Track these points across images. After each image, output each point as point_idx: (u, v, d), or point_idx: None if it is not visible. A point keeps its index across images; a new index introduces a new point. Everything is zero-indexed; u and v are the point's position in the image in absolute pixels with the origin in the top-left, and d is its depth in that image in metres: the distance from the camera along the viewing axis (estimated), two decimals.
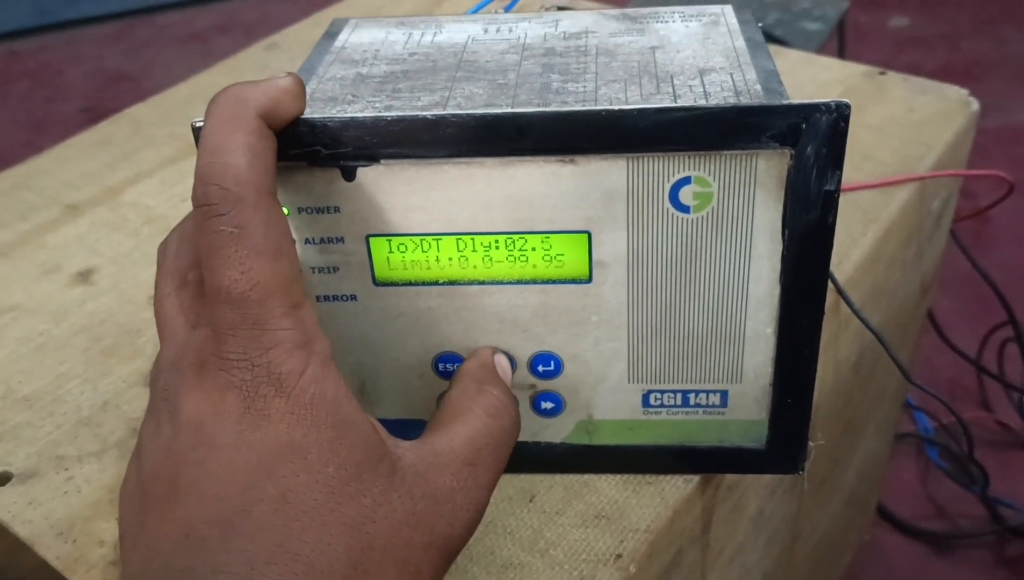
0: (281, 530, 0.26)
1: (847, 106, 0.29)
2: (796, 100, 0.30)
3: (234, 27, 2.43)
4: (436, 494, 0.29)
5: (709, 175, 0.31)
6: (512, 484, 0.39)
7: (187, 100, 0.69)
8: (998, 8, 2.26)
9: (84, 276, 0.52)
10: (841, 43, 1.33)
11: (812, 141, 0.30)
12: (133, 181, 0.60)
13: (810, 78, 0.66)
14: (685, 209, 0.31)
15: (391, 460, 0.29)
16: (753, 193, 0.31)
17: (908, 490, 1.14)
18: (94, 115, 1.96)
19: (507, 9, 0.54)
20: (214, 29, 2.44)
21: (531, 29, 0.40)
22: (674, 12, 0.40)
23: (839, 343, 0.53)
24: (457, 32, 0.40)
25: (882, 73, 0.66)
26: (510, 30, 0.40)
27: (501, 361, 0.35)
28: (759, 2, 1.37)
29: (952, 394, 1.23)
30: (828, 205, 0.31)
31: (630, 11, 0.41)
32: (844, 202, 0.53)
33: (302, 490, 0.26)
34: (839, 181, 0.30)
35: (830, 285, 0.47)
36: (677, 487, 0.38)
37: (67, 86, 2.22)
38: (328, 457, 0.27)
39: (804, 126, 0.29)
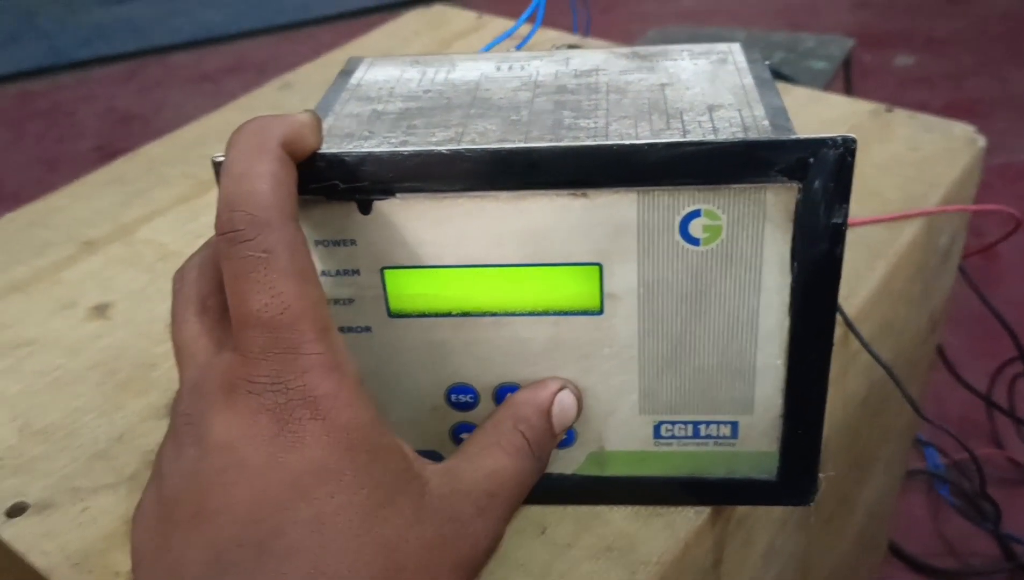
0: (316, 552, 0.26)
1: (854, 141, 0.30)
2: (804, 135, 0.30)
3: (244, 67, 2.46)
4: (460, 517, 0.29)
5: (718, 208, 0.31)
6: (523, 516, 0.39)
7: (200, 139, 0.70)
8: (1002, 47, 2.28)
9: (99, 311, 0.52)
10: (847, 81, 1.34)
11: (820, 175, 0.30)
12: (147, 219, 0.60)
13: (816, 115, 0.66)
14: (695, 242, 0.32)
15: (420, 482, 0.29)
16: (762, 226, 0.32)
17: (919, 527, 1.13)
18: (105, 154, 1.98)
19: (518, 48, 0.55)
20: (224, 69, 2.47)
21: (543, 67, 0.41)
22: (683, 50, 0.41)
23: (847, 378, 0.53)
24: (470, 70, 0.41)
25: (888, 110, 0.67)
26: (522, 68, 0.41)
27: (564, 400, 0.35)
28: (765, 41, 1.39)
29: (963, 431, 1.23)
30: (836, 238, 0.31)
31: (640, 49, 0.42)
32: (851, 238, 0.54)
33: (337, 512, 0.27)
34: (847, 214, 0.31)
35: (839, 319, 0.47)
36: (688, 519, 0.38)
37: (79, 125, 2.25)
38: (363, 479, 0.27)
39: (812, 160, 0.30)
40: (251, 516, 0.26)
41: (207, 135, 0.70)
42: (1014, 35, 2.34)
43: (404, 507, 0.28)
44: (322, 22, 2.63)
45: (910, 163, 0.61)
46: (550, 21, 0.74)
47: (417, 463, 0.30)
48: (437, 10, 0.88)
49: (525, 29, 0.63)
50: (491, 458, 0.32)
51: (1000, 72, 2.17)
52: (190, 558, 0.26)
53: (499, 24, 0.82)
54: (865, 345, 0.47)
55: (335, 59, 0.81)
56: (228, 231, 0.28)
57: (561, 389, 0.35)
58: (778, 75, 0.77)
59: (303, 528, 0.26)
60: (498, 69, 0.40)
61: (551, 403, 0.34)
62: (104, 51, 2.55)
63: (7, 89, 2.46)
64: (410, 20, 0.87)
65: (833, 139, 0.30)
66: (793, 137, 0.30)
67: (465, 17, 0.85)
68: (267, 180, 0.28)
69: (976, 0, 2.53)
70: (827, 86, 1.24)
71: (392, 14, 0.89)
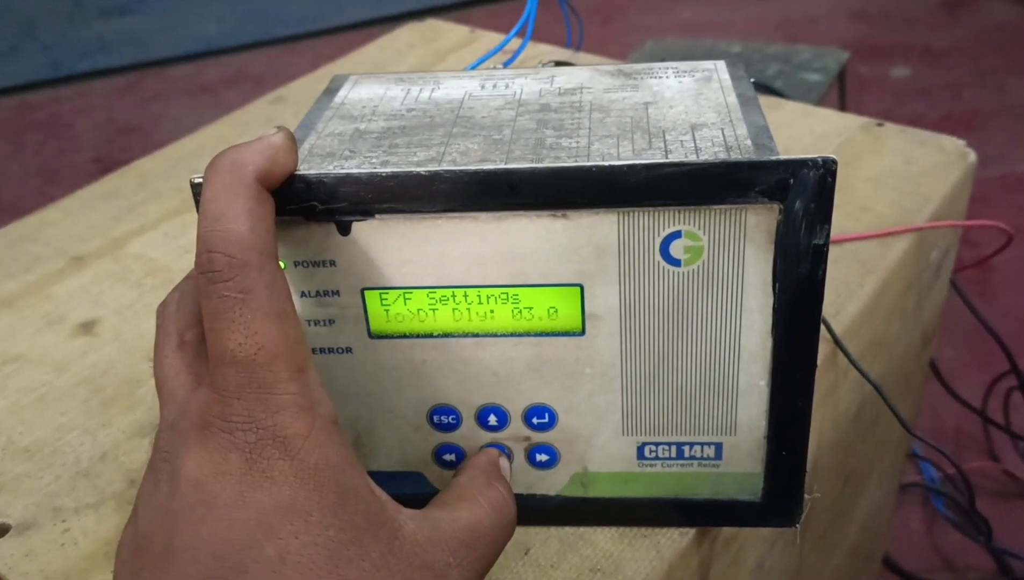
0: None
1: (834, 162, 0.30)
2: (784, 156, 0.30)
3: (243, 79, 2.46)
4: (434, 566, 0.29)
5: (699, 229, 0.31)
6: None
7: (193, 153, 0.70)
8: (999, 58, 2.28)
9: (87, 327, 0.52)
10: (842, 94, 1.34)
11: (800, 196, 0.30)
12: (138, 233, 0.60)
13: (808, 130, 0.66)
14: (676, 262, 0.32)
15: (392, 527, 0.29)
16: (743, 247, 0.31)
17: (915, 541, 1.13)
18: (104, 166, 1.98)
19: (505, 65, 0.55)
20: (223, 81, 2.47)
21: (527, 85, 0.40)
22: (668, 68, 0.41)
23: (838, 394, 0.53)
24: (455, 88, 0.41)
25: (879, 125, 0.67)
26: (506, 86, 0.40)
27: (503, 462, 0.36)
28: (761, 53, 1.39)
29: (958, 444, 1.22)
30: (818, 259, 0.31)
31: (625, 67, 0.42)
32: (842, 253, 0.54)
33: (302, 551, 0.27)
34: (828, 235, 0.31)
35: (828, 336, 0.47)
36: (673, 540, 0.38)
37: (78, 137, 2.25)
38: (330, 520, 0.27)
39: (792, 181, 0.30)
40: (215, 554, 0.26)
41: (199, 149, 0.70)
42: (1012, 46, 2.34)
43: (372, 550, 0.28)
44: (320, 34, 2.63)
45: (901, 177, 0.61)
46: (545, 35, 0.74)
47: (391, 507, 0.29)
48: (430, 24, 0.88)
49: (516, 43, 0.63)
50: (470, 510, 0.32)
51: (998, 83, 2.17)
52: None
53: (491, 38, 0.82)
54: (853, 362, 0.47)
55: (328, 73, 0.81)
56: (207, 271, 0.28)
57: (500, 456, 0.36)
58: (771, 90, 0.77)
59: (266, 566, 0.26)
60: (482, 87, 0.40)
61: (499, 464, 0.36)
62: (104, 63, 2.55)
63: (7, 101, 2.46)
64: (404, 34, 0.87)
65: (813, 160, 0.30)
66: (773, 158, 0.30)
67: (458, 31, 0.85)
68: (244, 220, 0.28)
69: (974, 12, 2.53)
70: (822, 98, 1.24)
71: (390, 27, 0.89)
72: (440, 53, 0.82)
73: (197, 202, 0.30)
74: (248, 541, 0.26)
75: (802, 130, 0.66)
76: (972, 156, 0.63)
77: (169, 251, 0.58)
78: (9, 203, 1.95)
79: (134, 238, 0.60)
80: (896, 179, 0.61)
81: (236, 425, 0.27)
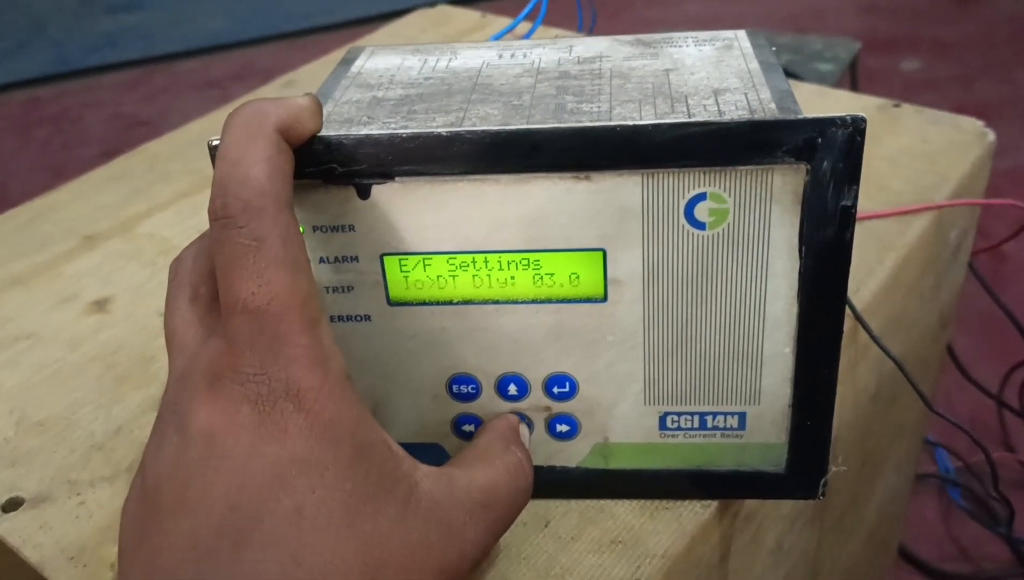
0: (295, 544, 0.25)
1: (863, 120, 0.29)
2: (811, 115, 0.30)
3: (250, 74, 2.45)
4: (450, 525, 0.29)
5: (725, 191, 0.31)
6: (526, 509, 0.37)
7: (202, 136, 0.69)
8: (1010, 50, 2.27)
9: (99, 305, 0.52)
10: (853, 84, 1.33)
11: (828, 156, 0.30)
12: (148, 214, 0.60)
13: (823, 110, 0.65)
14: (701, 226, 0.31)
15: (409, 484, 0.28)
16: (769, 209, 0.31)
17: (930, 531, 1.12)
18: (111, 160, 1.98)
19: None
20: (231, 76, 2.47)
21: (545, 54, 0.40)
22: (687, 37, 0.40)
23: (857, 373, 0.52)
24: (472, 58, 0.40)
25: (896, 105, 0.66)
26: (524, 55, 0.40)
27: (523, 428, 0.36)
28: (771, 43, 1.38)
29: (973, 433, 1.21)
30: (845, 221, 0.31)
31: (643, 37, 0.41)
32: (860, 231, 0.53)
33: (319, 505, 0.26)
34: (856, 196, 0.30)
35: (848, 311, 0.46)
36: (695, 513, 0.37)
37: (86, 132, 2.25)
38: (346, 474, 0.27)
39: (820, 140, 0.29)
40: (230, 505, 0.26)
41: (208, 133, 0.70)
42: (1022, 38, 2.32)
43: (388, 506, 0.27)
44: (328, 29, 2.63)
45: (919, 157, 0.60)
46: (556, 23, 0.74)
47: (407, 464, 0.29)
48: (441, 9, 0.87)
49: (526, 27, 0.62)
50: (487, 472, 0.32)
51: (1008, 75, 2.15)
52: (168, 547, 0.26)
53: (503, 23, 0.82)
54: (874, 338, 0.46)
55: (339, 58, 0.80)
56: (221, 217, 0.27)
57: (518, 421, 0.36)
58: (786, 72, 0.77)
59: (282, 519, 0.26)
60: (500, 57, 0.40)
61: (518, 429, 0.35)
62: (111, 58, 2.55)
63: (15, 96, 2.46)
64: (415, 19, 0.86)
65: (842, 118, 0.29)
66: (801, 117, 0.30)
67: (469, 16, 0.85)
68: (262, 166, 0.27)
69: (983, 4, 2.52)
70: (833, 88, 1.23)
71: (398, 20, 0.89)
72: (451, 38, 0.82)
73: (214, 164, 0.30)
74: (264, 493, 0.26)
75: (816, 110, 0.65)
76: (991, 136, 0.62)
77: (181, 231, 0.58)
78: (16, 197, 1.94)
79: (145, 219, 0.59)
80: (913, 158, 0.60)
81: (247, 376, 0.27)
